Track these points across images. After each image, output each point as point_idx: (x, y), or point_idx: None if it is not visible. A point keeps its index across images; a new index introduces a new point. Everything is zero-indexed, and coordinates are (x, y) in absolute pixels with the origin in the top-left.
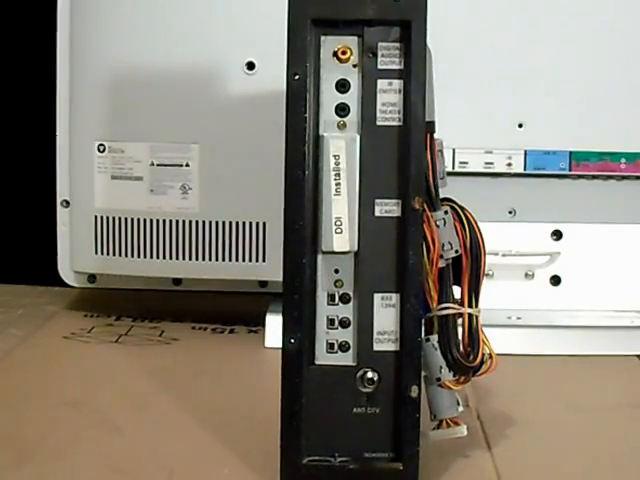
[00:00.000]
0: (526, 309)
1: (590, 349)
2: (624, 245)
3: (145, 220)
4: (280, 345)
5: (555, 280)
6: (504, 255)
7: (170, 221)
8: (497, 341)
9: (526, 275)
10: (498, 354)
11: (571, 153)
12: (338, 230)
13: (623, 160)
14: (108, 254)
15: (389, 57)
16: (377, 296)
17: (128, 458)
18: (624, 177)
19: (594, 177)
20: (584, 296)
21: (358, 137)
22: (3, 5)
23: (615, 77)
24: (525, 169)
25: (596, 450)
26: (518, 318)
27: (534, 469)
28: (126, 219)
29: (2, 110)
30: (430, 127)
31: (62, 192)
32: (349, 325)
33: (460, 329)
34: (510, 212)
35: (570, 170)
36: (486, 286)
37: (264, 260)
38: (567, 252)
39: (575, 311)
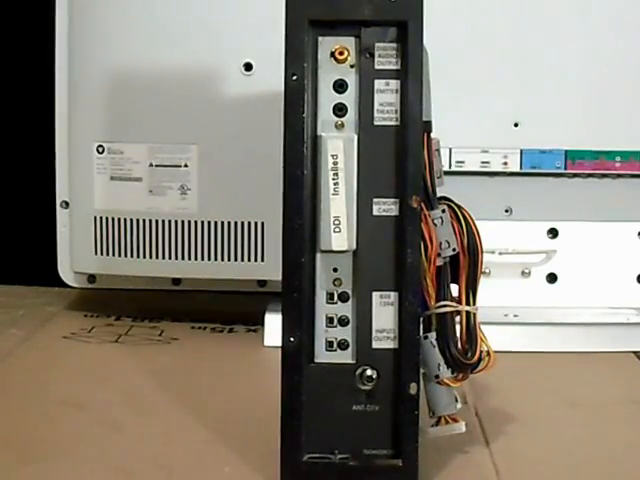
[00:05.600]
0: (523, 307)
1: (586, 346)
2: (619, 243)
3: (144, 221)
4: (279, 344)
5: (551, 278)
6: (501, 253)
7: (169, 221)
8: (494, 338)
9: (523, 273)
10: (495, 351)
11: (566, 152)
12: (336, 229)
13: (618, 158)
14: (108, 254)
15: (386, 57)
16: (375, 294)
17: (128, 457)
18: (619, 175)
19: (589, 175)
20: (580, 293)
21: (356, 137)
22: (2, 6)
23: (610, 76)
24: (521, 168)
25: (593, 445)
26: (515, 316)
27: (532, 464)
28: (125, 220)
29: (2, 111)
30: (427, 126)
31: (61, 193)
32: (348, 323)
33: (458, 327)
34: (506, 211)
35: (566, 169)
36: (483, 284)
37: (263, 260)
38: (563, 250)
39: (571, 308)
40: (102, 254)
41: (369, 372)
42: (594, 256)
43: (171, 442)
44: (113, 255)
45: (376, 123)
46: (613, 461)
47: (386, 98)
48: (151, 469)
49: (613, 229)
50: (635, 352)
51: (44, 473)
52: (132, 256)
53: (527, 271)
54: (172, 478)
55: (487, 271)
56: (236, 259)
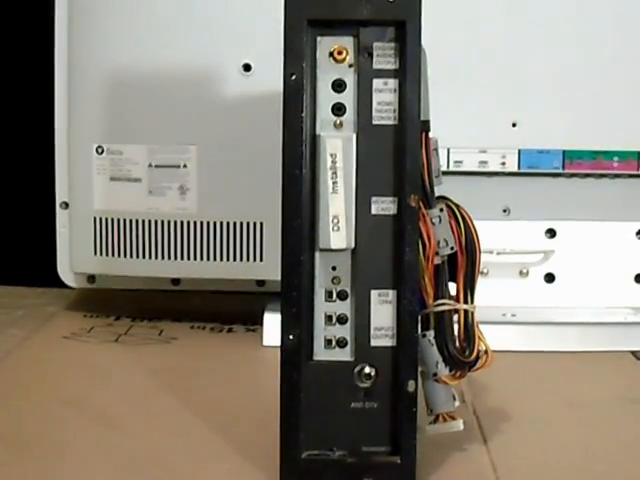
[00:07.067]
0: (521, 306)
1: (584, 345)
2: (617, 242)
3: (144, 221)
4: (278, 343)
5: (549, 278)
6: (499, 253)
7: (168, 222)
8: (492, 338)
9: (520, 273)
10: (493, 351)
11: (564, 152)
12: (335, 228)
13: (616, 158)
14: (107, 255)
15: (384, 57)
16: (374, 292)
17: (129, 455)
18: (617, 175)
19: (587, 175)
20: (578, 293)
21: (354, 136)
22: (2, 6)
23: (608, 76)
24: (519, 168)
25: (590, 443)
26: (513, 315)
27: (529, 462)
28: (125, 220)
29: (1, 112)
30: (425, 126)
31: (61, 194)
32: (346, 321)
33: (456, 325)
34: (504, 211)
35: (563, 169)
36: (481, 284)
37: (261, 259)
38: (561, 250)
39: (569, 308)
40: (102, 254)
41: (367, 370)
42: (592, 256)
43: (171, 440)
44: (112, 255)
45: (374, 122)
46: (610, 459)
47: (384, 97)
48: (151, 466)
49: (611, 229)
50: (633, 351)
51: (44, 470)
52: (131, 256)
53: (525, 271)
54: (172, 475)
55: (485, 271)
56: (235, 259)
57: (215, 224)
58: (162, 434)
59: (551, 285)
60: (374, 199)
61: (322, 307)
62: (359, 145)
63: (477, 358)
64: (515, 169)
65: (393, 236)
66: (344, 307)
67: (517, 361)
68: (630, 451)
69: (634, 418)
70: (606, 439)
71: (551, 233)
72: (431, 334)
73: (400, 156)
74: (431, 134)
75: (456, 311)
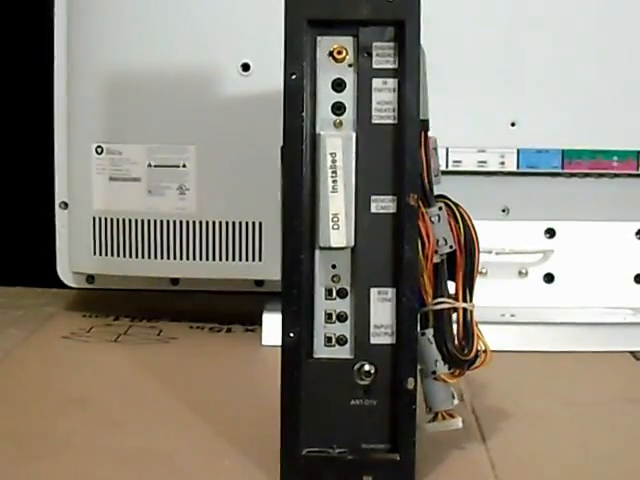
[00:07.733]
0: (520, 306)
1: (583, 346)
2: (616, 242)
3: (143, 221)
4: (277, 343)
5: (548, 278)
6: (498, 253)
7: (167, 222)
8: (491, 338)
9: (520, 273)
10: (492, 351)
11: (564, 151)
12: (335, 226)
13: (615, 158)
14: (106, 255)
15: (384, 56)
16: (373, 290)
17: (130, 452)
18: (616, 175)
19: (586, 175)
20: (577, 293)
21: (354, 135)
22: (1, 7)
23: (607, 76)
24: (518, 167)
25: (588, 442)
26: (512, 315)
27: (527, 460)
28: (124, 220)
29: (1, 112)
30: (424, 125)
31: (60, 194)
32: (346, 319)
33: (455, 324)
34: (503, 210)
35: (563, 168)
36: (480, 284)
37: (260, 259)
38: (560, 250)
39: (568, 308)
40: (101, 254)
41: (367, 367)
42: (591, 256)
43: (171, 438)
44: (112, 255)
45: (374, 121)
46: (608, 459)
47: (384, 97)
48: (152, 465)
49: (610, 229)
50: (632, 352)
51: (46, 468)
52: (131, 256)
53: (524, 271)
54: (173, 473)
55: (484, 271)
56: (234, 259)
57: (214, 224)
58: (162, 433)
59: (550, 285)
60: (373, 198)
61: (322, 305)
62: (359, 144)
63: (476, 356)
64: (514, 169)
65: (392, 234)
66: (344, 305)
67: (516, 361)
68: (630, 451)
69: (633, 418)
70: (605, 439)
71: (550, 233)
72: (430, 332)
73: (399, 155)
74: (430, 133)
75: (455, 309)
